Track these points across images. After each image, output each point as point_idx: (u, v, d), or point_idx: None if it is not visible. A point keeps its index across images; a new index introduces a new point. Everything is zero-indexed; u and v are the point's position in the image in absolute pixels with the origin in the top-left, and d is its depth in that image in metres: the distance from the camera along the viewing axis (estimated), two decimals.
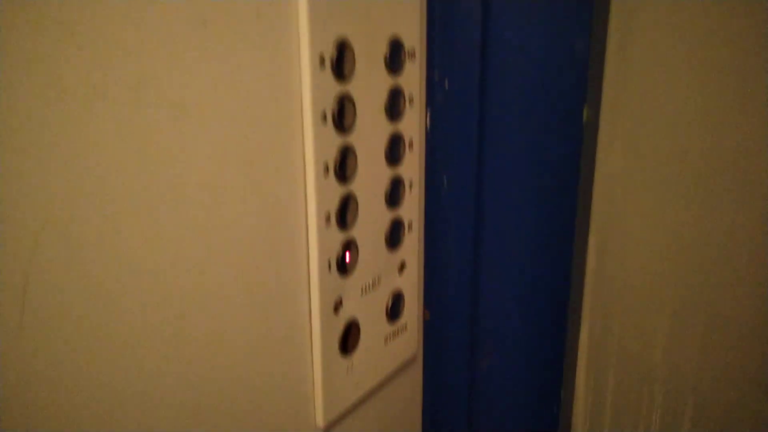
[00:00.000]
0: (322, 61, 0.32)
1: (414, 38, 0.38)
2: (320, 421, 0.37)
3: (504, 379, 0.48)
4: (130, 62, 0.23)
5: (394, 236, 0.40)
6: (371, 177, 0.37)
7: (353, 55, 0.34)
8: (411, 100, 0.39)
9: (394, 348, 0.43)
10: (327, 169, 0.33)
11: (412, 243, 0.43)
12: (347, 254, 0.36)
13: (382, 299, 0.41)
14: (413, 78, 0.39)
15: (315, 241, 0.34)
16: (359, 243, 0.37)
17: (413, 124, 0.40)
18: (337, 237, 0.35)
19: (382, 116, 0.37)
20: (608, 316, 0.45)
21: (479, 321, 0.47)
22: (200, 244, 0.28)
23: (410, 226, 0.42)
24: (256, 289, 0.32)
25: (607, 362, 0.47)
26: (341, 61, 0.33)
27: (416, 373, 0.48)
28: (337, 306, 0.36)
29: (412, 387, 0.47)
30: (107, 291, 0.24)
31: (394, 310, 0.42)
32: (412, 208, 0.42)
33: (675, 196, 0.41)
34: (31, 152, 0.21)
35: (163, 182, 0.26)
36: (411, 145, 0.40)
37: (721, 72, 0.37)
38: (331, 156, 0.34)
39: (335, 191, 0.34)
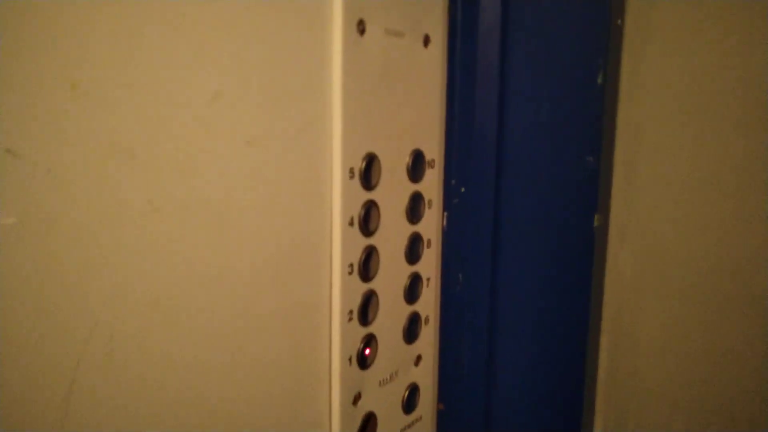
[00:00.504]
0: (351, 173, 0.35)
1: (434, 150, 0.42)
2: None
3: None
4: (184, 178, 0.27)
5: (411, 331, 0.43)
6: (392, 274, 0.40)
7: (379, 166, 0.37)
8: (430, 204, 0.43)
9: None
10: (351, 268, 0.36)
11: (428, 337, 0.45)
12: (367, 349, 0.38)
13: (398, 392, 0.42)
14: (433, 184, 0.42)
15: (338, 338, 0.36)
16: (378, 338, 0.39)
17: (432, 225, 0.43)
18: (359, 333, 0.38)
19: (403, 219, 0.40)
20: (622, 415, 0.46)
21: (493, 416, 0.49)
22: (222, 348, 0.31)
23: (426, 321, 0.44)
24: (281, 380, 0.34)
25: None
26: (368, 172, 0.36)
27: None
28: (356, 399, 0.38)
29: None
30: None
31: (410, 402, 0.43)
32: (428, 304, 0.44)
33: (684, 298, 0.43)
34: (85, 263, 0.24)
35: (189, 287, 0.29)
36: (429, 244, 0.43)
37: (725, 183, 0.40)
38: (356, 257, 0.36)
39: (358, 289, 0.37)
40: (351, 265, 0.36)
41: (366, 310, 0.38)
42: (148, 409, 0.27)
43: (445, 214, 0.46)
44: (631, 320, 0.45)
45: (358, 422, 0.38)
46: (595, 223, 0.44)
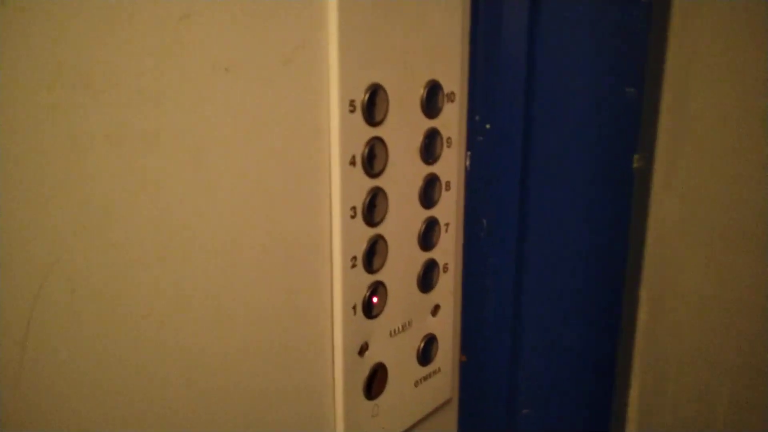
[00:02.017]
0: (352, 107, 0.32)
1: (454, 81, 0.38)
2: None
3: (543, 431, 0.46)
4: (148, 109, 0.24)
5: (427, 279, 0.40)
6: (403, 219, 0.37)
7: (386, 99, 0.34)
8: (449, 142, 0.39)
9: (426, 392, 0.42)
10: (354, 212, 0.33)
11: (447, 286, 0.42)
12: (374, 297, 0.36)
13: (412, 343, 0.40)
14: (452, 120, 0.39)
15: (339, 285, 0.34)
16: (388, 286, 0.37)
17: (451, 166, 0.39)
18: (364, 280, 0.35)
19: (416, 158, 0.37)
20: (661, 376, 0.43)
21: (518, 371, 0.46)
22: (221, 287, 0.29)
23: (445, 269, 0.41)
24: (280, 330, 0.32)
25: (660, 427, 0.44)
26: (372, 106, 0.33)
27: (450, 418, 0.46)
28: (363, 349, 0.36)
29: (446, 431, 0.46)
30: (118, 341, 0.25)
31: (425, 354, 0.41)
32: (447, 250, 0.41)
33: (734, 248, 0.38)
34: (41, 197, 0.22)
35: (181, 233, 0.26)
36: (448, 186, 0.40)
37: None
38: (360, 199, 0.34)
39: (362, 234, 0.34)
40: (353, 209, 0.33)
41: (372, 256, 0.35)
42: (110, 354, 0.25)
43: (468, 153, 0.42)
44: (675, 272, 0.41)
45: (365, 374, 0.36)
46: (635, 164, 0.39)
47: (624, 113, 0.38)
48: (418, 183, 0.37)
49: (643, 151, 0.39)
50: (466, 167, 0.42)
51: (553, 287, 0.43)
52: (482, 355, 0.46)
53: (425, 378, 0.42)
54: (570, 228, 0.42)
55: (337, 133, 0.32)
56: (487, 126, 0.41)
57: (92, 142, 0.23)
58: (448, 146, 0.39)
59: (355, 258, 0.34)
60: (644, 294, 0.43)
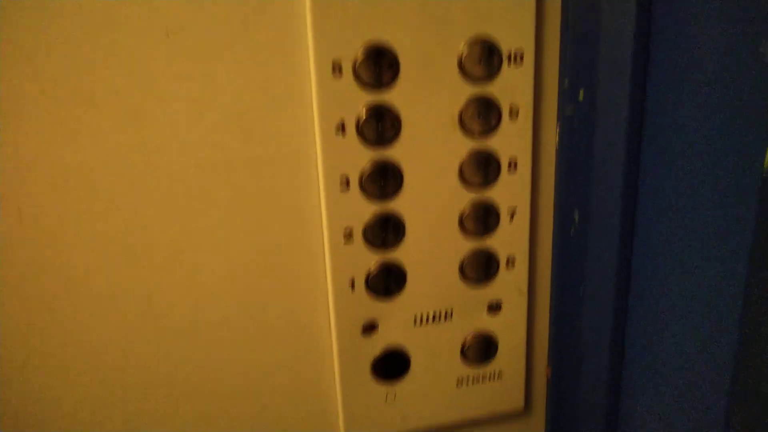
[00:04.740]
0: (336, 68, 0.29)
1: (518, 37, 0.31)
2: None
3: None
4: (84, 75, 0.27)
5: (478, 270, 0.34)
6: (430, 197, 0.32)
7: (396, 59, 0.30)
8: (513, 113, 0.32)
9: (476, 394, 0.37)
10: (347, 183, 0.31)
11: (512, 282, 0.35)
12: (381, 275, 0.33)
13: (453, 336, 0.36)
14: (515, 85, 0.32)
15: (329, 258, 0.32)
16: (408, 268, 0.33)
17: (515, 142, 0.33)
18: (366, 255, 0.33)
19: (452, 129, 0.32)
20: None
21: (619, 393, 0.36)
22: (209, 253, 0.31)
23: (510, 263, 0.35)
24: (275, 303, 0.33)
25: None
26: (375, 67, 0.30)
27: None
28: (369, 328, 0.34)
29: None
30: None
31: (477, 353, 0.36)
32: (512, 242, 0.34)
33: None
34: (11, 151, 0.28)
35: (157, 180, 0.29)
36: (513, 166, 0.33)
37: None
38: (354, 169, 0.31)
39: (361, 207, 0.32)
40: (345, 179, 0.31)
41: (377, 232, 0.32)
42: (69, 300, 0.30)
43: (558, 128, 0.34)
44: None
45: (372, 354, 0.34)
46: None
47: (758, 79, 0.25)
48: (457, 158, 0.32)
49: None
50: (556, 146, 0.34)
51: (662, 296, 0.32)
52: (574, 371, 0.38)
53: (476, 379, 0.37)
54: (688, 226, 0.30)
55: (316, 98, 0.30)
56: (581, 94, 0.32)
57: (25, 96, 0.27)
58: (511, 118, 0.32)
59: (350, 230, 0.32)
60: None
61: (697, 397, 0.31)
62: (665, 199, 0.31)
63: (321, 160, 0.30)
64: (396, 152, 0.31)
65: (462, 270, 0.34)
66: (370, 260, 0.33)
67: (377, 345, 0.34)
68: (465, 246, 0.34)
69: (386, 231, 0.32)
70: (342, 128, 0.30)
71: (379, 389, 0.35)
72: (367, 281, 0.33)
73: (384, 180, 0.31)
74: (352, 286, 0.33)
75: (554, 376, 0.38)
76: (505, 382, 0.37)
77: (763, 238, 0.27)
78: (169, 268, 0.31)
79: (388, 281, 0.33)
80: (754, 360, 0.29)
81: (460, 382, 0.36)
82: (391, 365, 0.35)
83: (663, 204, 0.31)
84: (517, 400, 0.38)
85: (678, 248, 0.31)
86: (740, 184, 0.27)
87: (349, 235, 0.32)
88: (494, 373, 0.37)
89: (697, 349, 0.31)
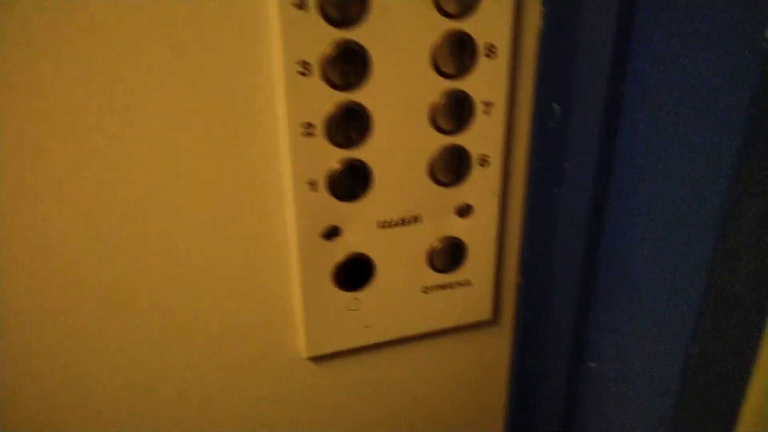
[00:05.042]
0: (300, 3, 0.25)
1: None
2: (303, 350, 0.33)
3: (616, 388, 0.36)
4: None
5: (448, 169, 0.32)
6: (397, 85, 0.29)
7: None
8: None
9: (444, 303, 0.35)
10: (306, 68, 0.27)
11: (485, 183, 0.33)
12: (345, 175, 0.30)
13: (420, 242, 0.33)
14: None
15: (288, 154, 0.29)
16: (374, 168, 0.30)
17: (493, 23, 0.29)
18: (328, 154, 0.29)
19: (426, 6, 0.28)
20: None
21: (588, 313, 0.35)
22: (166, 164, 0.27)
23: (483, 161, 0.32)
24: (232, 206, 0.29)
25: None
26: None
27: (494, 344, 0.39)
28: (331, 233, 0.31)
29: (482, 357, 0.39)
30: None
31: (444, 259, 0.34)
32: (486, 138, 0.32)
33: None
34: None
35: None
36: (490, 51, 0.30)
37: None
38: (314, 51, 0.27)
39: (321, 97, 0.28)
40: (304, 63, 0.27)
41: (340, 127, 0.29)
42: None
43: (543, 9, 0.31)
44: None
45: (334, 260, 0.32)
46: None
47: None
48: (429, 41, 0.29)
49: None
50: (540, 27, 0.31)
51: (646, 211, 0.31)
52: (545, 281, 0.36)
53: (443, 287, 0.35)
54: (681, 127, 0.28)
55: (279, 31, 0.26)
56: None
57: None
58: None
59: (309, 126, 0.28)
60: None
61: (670, 305, 0.30)
62: (654, 90, 0.28)
63: (281, 39, 0.26)
64: (360, 34, 0.27)
65: (431, 169, 0.32)
66: (332, 158, 0.29)
67: (340, 250, 0.32)
68: (435, 142, 0.31)
69: (350, 125, 0.29)
70: (301, 3, 0.26)
71: (341, 297, 0.33)
72: (329, 182, 0.30)
73: (348, 65, 0.28)
74: (314, 186, 0.30)
75: (525, 285, 0.37)
76: (474, 290, 0.35)
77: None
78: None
79: (352, 181, 0.30)
80: (729, 259, 0.28)
81: (426, 290, 0.34)
82: (355, 272, 0.32)
83: (652, 95, 0.28)
84: (485, 310, 0.36)
85: (663, 152, 0.29)
86: (738, 67, 0.25)
87: (309, 131, 0.28)
88: (464, 282, 0.35)
89: (673, 257, 0.30)
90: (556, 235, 0.34)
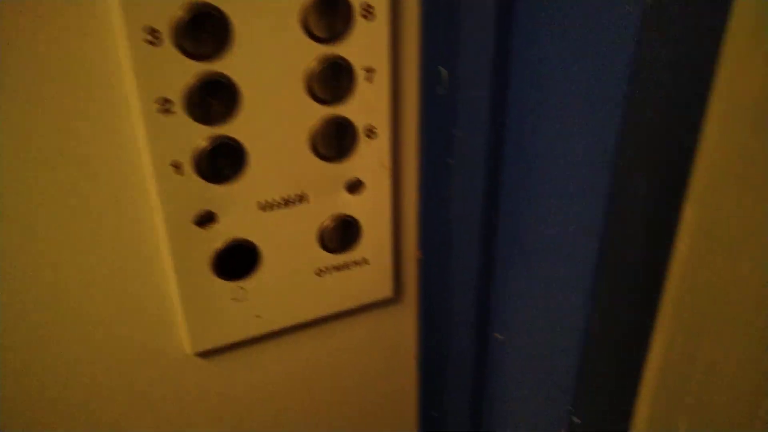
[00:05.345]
0: None
1: None
2: (188, 346, 0.31)
3: (522, 358, 0.35)
4: None
5: (332, 142, 0.29)
6: (267, 53, 0.26)
7: None
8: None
9: (341, 284, 0.33)
10: (155, 35, 0.24)
11: (374, 156, 0.31)
12: (213, 154, 0.27)
13: (308, 222, 0.31)
14: None
15: (144, 136, 0.25)
16: (247, 145, 0.28)
17: None
18: (190, 132, 0.26)
19: None
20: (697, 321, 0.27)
21: (491, 283, 0.34)
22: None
23: (370, 133, 0.30)
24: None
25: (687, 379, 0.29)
26: None
27: (399, 324, 0.37)
28: (205, 219, 0.28)
29: (387, 336, 0.37)
30: None
31: (337, 239, 0.32)
32: (371, 107, 0.29)
33: None
34: None
35: None
36: (368, 11, 0.27)
37: None
38: (163, 18, 0.24)
39: (176, 67, 0.25)
40: (152, 30, 0.24)
41: (201, 101, 0.26)
42: None
43: None
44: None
45: (212, 249, 0.29)
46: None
47: None
48: (298, 1, 0.26)
49: None
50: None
51: (541, 177, 0.29)
52: (445, 253, 0.34)
53: (338, 268, 0.33)
54: (571, 85, 0.27)
55: None
56: None
57: None
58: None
59: (166, 101, 0.25)
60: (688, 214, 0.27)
61: (566, 273, 0.29)
62: (543, 46, 0.26)
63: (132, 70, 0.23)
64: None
65: (313, 143, 0.29)
66: (197, 136, 0.26)
67: (218, 237, 0.29)
68: (315, 114, 0.28)
69: (214, 98, 0.26)
70: None
71: (224, 287, 0.30)
72: (196, 162, 0.27)
73: (204, 32, 0.25)
74: (179, 169, 0.27)
75: (425, 260, 0.35)
76: (372, 269, 0.34)
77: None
78: None
79: (223, 161, 0.27)
80: (621, 226, 0.27)
81: (320, 272, 0.32)
82: (237, 259, 0.30)
83: (541, 52, 0.27)
84: (385, 288, 0.35)
85: (555, 112, 0.27)
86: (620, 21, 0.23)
87: (166, 107, 0.25)
88: (360, 261, 0.33)
89: (567, 225, 0.28)
90: (453, 207, 0.33)
